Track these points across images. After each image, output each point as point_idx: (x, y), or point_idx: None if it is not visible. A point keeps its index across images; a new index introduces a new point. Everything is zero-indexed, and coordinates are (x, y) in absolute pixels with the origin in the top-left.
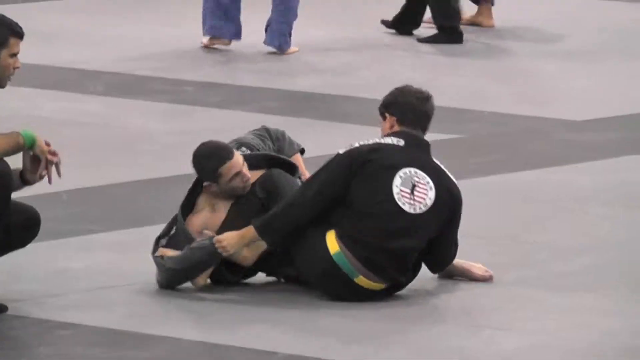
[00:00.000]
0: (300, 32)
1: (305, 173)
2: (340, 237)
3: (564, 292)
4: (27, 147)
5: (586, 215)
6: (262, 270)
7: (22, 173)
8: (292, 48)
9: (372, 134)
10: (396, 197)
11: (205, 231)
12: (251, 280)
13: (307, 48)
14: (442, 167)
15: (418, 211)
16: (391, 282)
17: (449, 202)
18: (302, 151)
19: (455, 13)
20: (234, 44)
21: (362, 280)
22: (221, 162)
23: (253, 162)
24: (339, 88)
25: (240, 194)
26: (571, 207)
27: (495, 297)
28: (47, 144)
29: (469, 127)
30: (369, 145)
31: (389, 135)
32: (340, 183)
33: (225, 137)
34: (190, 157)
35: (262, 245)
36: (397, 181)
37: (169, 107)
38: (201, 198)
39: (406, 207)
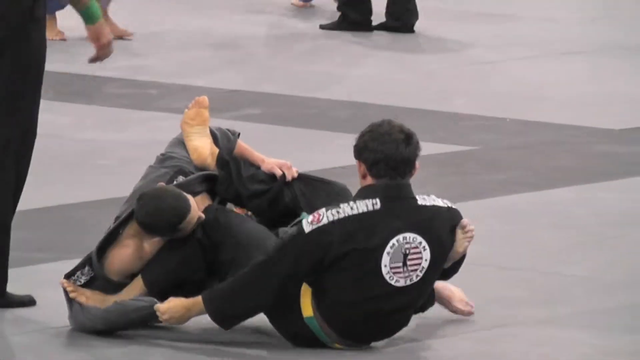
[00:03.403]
0: None
1: (258, 158)
2: (316, 300)
3: (602, 333)
4: (85, 21)
5: (628, 242)
6: None
7: None
8: None
9: None
10: (387, 277)
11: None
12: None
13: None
14: (428, 201)
15: (415, 279)
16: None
17: (446, 244)
18: (238, 135)
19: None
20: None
21: (339, 346)
22: (181, 218)
23: (192, 189)
24: (330, 92)
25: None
26: (612, 233)
27: (520, 339)
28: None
29: (485, 137)
30: (341, 225)
31: (362, 194)
32: (306, 272)
33: None
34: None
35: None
36: (385, 261)
37: (127, 114)
38: (129, 228)
39: (400, 283)
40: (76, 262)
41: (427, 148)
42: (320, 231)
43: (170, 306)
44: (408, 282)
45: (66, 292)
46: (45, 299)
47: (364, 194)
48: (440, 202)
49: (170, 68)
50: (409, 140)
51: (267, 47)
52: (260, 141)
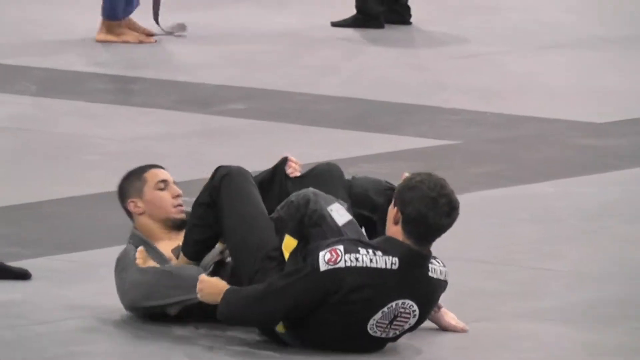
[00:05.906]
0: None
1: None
2: (290, 322)
3: (582, 326)
4: None
5: (610, 235)
6: None
7: None
8: None
9: (350, 138)
10: (369, 327)
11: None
12: None
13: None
14: (436, 273)
15: (391, 335)
16: None
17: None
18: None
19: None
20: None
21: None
22: (147, 168)
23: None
24: (310, 85)
25: (174, 223)
26: (592, 227)
27: (499, 334)
28: None
29: (467, 131)
30: (356, 274)
31: (386, 246)
32: (310, 306)
33: (180, 145)
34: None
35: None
36: (377, 316)
37: (112, 109)
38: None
39: (377, 334)
40: (59, 258)
41: (410, 142)
42: (335, 274)
43: (210, 281)
44: (383, 335)
45: (117, 265)
46: (25, 297)
47: (388, 246)
48: (443, 275)
49: (156, 63)
50: (451, 213)
51: (257, 43)
52: (244, 136)
